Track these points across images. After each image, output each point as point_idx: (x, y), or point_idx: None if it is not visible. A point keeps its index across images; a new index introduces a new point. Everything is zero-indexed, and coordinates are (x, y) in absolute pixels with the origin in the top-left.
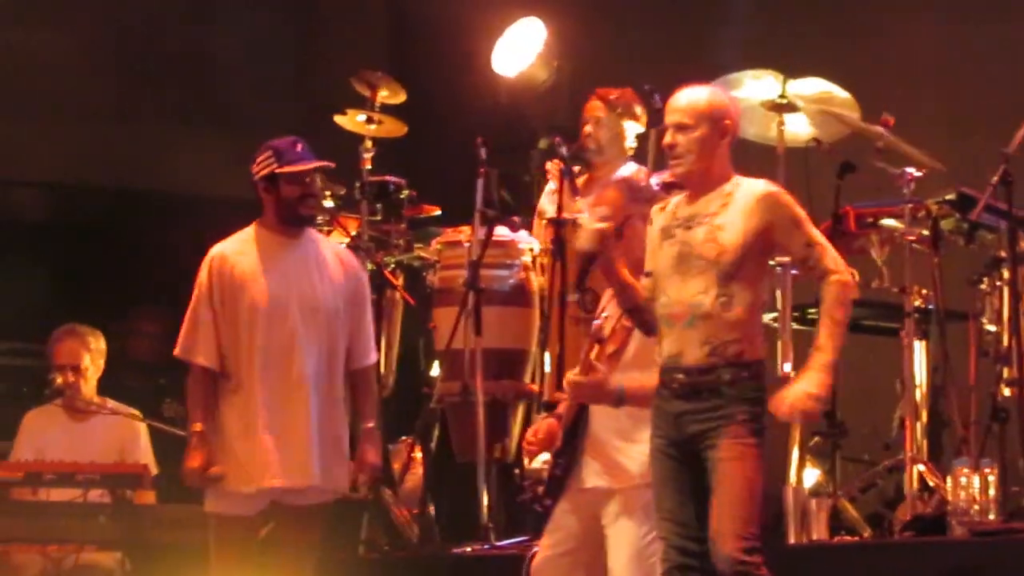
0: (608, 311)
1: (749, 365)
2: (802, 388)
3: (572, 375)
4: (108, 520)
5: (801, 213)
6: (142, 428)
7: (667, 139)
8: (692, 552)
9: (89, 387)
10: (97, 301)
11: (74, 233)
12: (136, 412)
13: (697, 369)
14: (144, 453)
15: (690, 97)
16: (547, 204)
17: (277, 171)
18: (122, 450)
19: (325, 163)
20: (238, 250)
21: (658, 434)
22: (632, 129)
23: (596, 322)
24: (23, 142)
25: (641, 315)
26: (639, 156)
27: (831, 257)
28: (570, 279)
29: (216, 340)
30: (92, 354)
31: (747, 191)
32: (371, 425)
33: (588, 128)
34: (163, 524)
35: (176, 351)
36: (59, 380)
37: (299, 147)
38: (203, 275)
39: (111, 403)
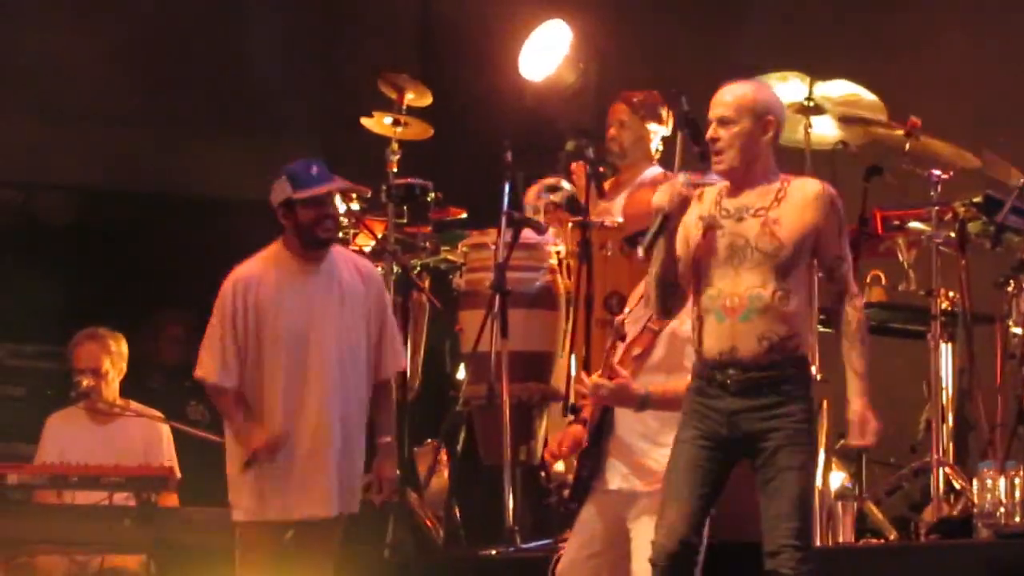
0: (634, 312)
1: (804, 360)
2: (874, 424)
3: (595, 377)
4: (133, 523)
5: (844, 223)
6: (165, 430)
7: (710, 133)
8: (691, 544)
9: (111, 390)
10: (123, 304)
11: (101, 237)
12: (159, 414)
13: (756, 365)
14: (168, 455)
15: (734, 92)
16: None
17: (293, 196)
18: (146, 453)
19: (339, 185)
20: (261, 275)
21: (698, 427)
22: (657, 132)
23: (619, 317)
24: (50, 146)
25: (672, 292)
26: (665, 159)
27: (853, 277)
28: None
29: (233, 361)
30: (113, 357)
31: (802, 187)
32: (388, 439)
33: (612, 131)
34: (188, 527)
35: (199, 372)
36: (82, 385)
37: (314, 170)
38: (227, 300)
39: (134, 405)
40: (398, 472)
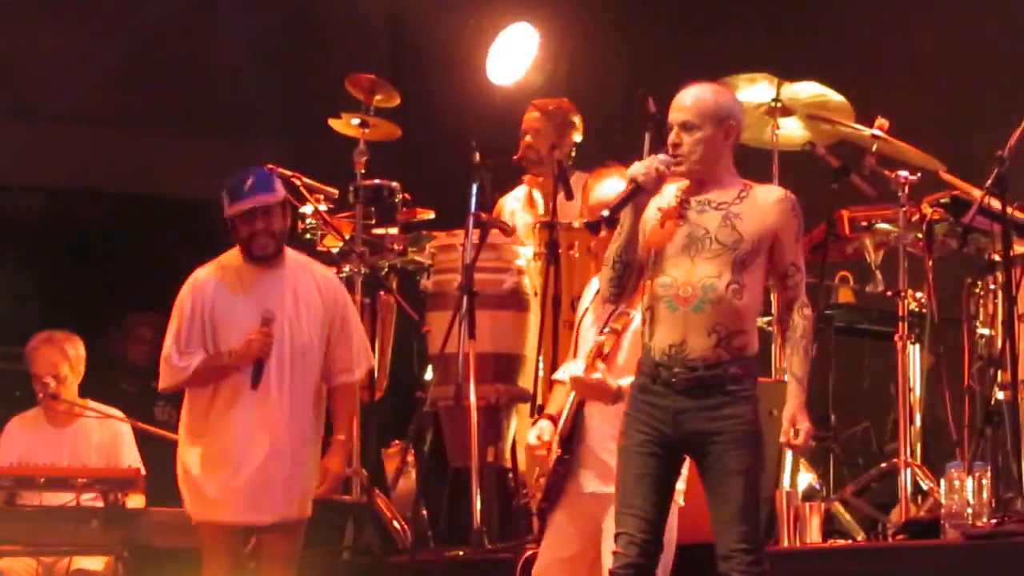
0: (592, 313)
1: (751, 360)
2: (807, 426)
3: (575, 372)
4: (101, 525)
5: (802, 231)
6: (126, 429)
7: (671, 137)
8: (650, 554)
9: (70, 393)
10: (94, 305)
11: (72, 238)
12: (119, 414)
13: (703, 363)
14: (130, 455)
15: (695, 96)
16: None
17: (227, 212)
18: (107, 453)
19: (263, 200)
20: (217, 279)
21: (642, 430)
22: (572, 139)
23: (599, 339)
24: (22, 147)
25: (628, 274)
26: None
27: (804, 288)
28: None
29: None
30: (71, 361)
31: (764, 190)
32: (342, 437)
33: (528, 139)
34: (156, 528)
35: (161, 384)
36: (49, 388)
37: (249, 182)
38: (184, 301)
39: (92, 404)
40: (345, 470)
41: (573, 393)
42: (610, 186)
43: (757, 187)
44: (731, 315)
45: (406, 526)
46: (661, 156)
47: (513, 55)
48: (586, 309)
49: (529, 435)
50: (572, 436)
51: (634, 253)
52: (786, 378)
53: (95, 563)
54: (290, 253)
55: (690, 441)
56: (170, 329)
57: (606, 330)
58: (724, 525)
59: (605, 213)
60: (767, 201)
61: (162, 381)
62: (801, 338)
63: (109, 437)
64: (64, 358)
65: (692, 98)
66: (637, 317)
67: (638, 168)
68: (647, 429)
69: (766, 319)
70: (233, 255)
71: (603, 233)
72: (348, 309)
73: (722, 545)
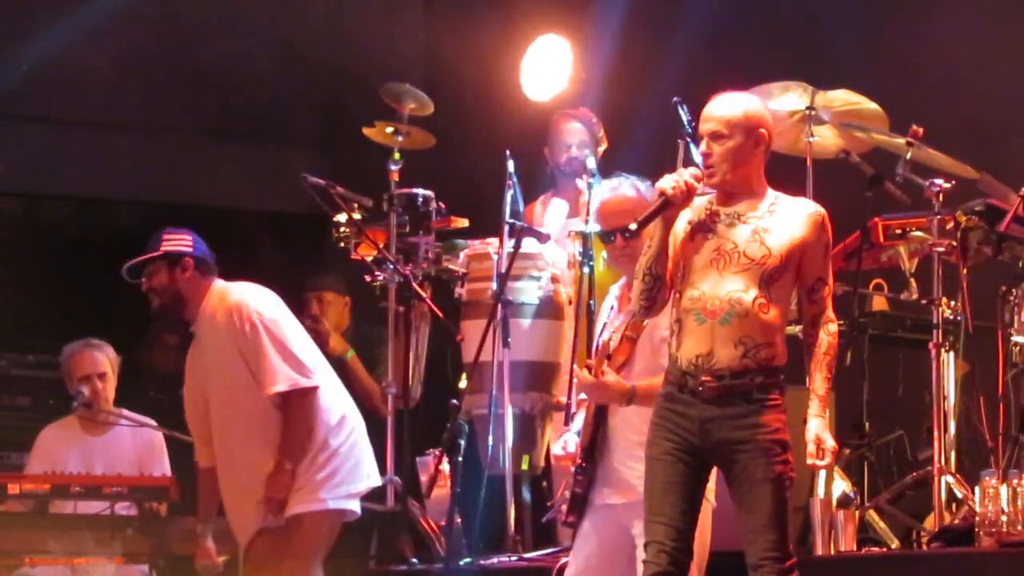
0: (610, 324)
1: (779, 371)
2: (832, 445)
3: (584, 374)
4: (135, 533)
5: (831, 247)
6: (159, 439)
7: (702, 148)
8: (681, 563)
9: (108, 399)
10: (125, 314)
11: (104, 246)
12: (153, 422)
13: (730, 372)
14: (163, 464)
15: (725, 105)
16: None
17: None
18: (141, 462)
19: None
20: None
21: (669, 438)
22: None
23: (603, 338)
24: (55, 156)
25: (660, 286)
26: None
27: (831, 303)
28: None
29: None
30: (112, 363)
31: (794, 204)
32: (281, 459)
33: (573, 150)
34: (190, 537)
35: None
36: (85, 394)
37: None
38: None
39: (127, 413)
40: (281, 496)
41: (590, 402)
42: (619, 195)
43: (787, 199)
44: (758, 328)
45: (441, 534)
46: (691, 169)
47: (545, 67)
48: (604, 324)
49: (554, 446)
50: (594, 446)
51: (664, 266)
52: (810, 395)
53: (128, 571)
54: (210, 297)
55: (717, 450)
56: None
57: (615, 335)
58: (753, 534)
59: (633, 226)
60: (797, 215)
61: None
62: (824, 355)
63: (143, 446)
64: (106, 358)
65: (721, 108)
66: (659, 326)
67: (667, 181)
68: (674, 438)
69: (799, 327)
70: None
71: (617, 242)
72: (252, 330)
73: (751, 554)
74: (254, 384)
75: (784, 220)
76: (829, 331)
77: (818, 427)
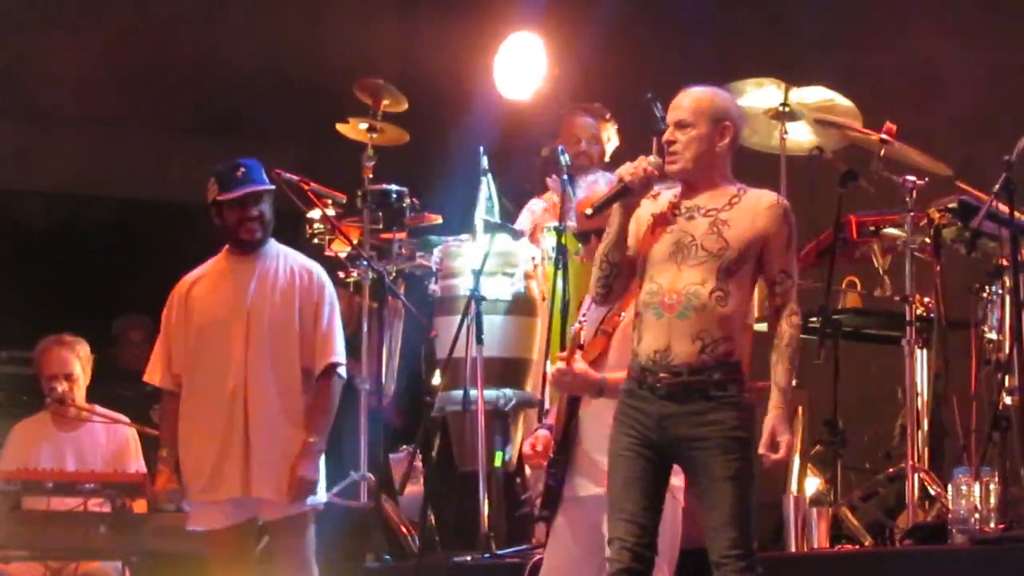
0: (589, 317)
1: (737, 366)
2: (787, 438)
3: (555, 366)
4: (109, 530)
5: (794, 238)
6: (132, 434)
7: (666, 135)
8: (645, 559)
9: (79, 396)
10: (98, 309)
11: (78, 242)
12: (125, 418)
13: (687, 368)
14: (136, 460)
15: (692, 95)
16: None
17: (217, 199)
18: (114, 459)
19: (258, 188)
20: (198, 275)
21: (629, 434)
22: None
23: (574, 327)
24: (29, 151)
25: (616, 274)
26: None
27: (795, 295)
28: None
29: (167, 362)
30: (82, 361)
31: (756, 196)
32: (310, 440)
33: (584, 145)
34: (164, 533)
35: (145, 377)
36: (57, 390)
37: (239, 172)
38: (169, 304)
39: (99, 409)
40: (315, 477)
41: (562, 396)
42: (596, 192)
43: (750, 192)
44: (715, 322)
45: (413, 531)
46: (651, 157)
47: (519, 63)
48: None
49: (525, 445)
50: (565, 439)
51: (622, 254)
52: (771, 387)
53: (102, 568)
54: (274, 244)
55: (676, 447)
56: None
57: (589, 327)
58: (715, 532)
59: (589, 211)
60: (758, 207)
61: (145, 375)
62: (787, 347)
63: (116, 443)
64: (76, 357)
65: (688, 97)
66: (627, 318)
67: (626, 168)
68: (634, 434)
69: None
70: (221, 254)
71: (593, 242)
72: (324, 301)
73: (713, 552)
74: (294, 346)
75: (744, 212)
76: (792, 323)
77: (775, 419)
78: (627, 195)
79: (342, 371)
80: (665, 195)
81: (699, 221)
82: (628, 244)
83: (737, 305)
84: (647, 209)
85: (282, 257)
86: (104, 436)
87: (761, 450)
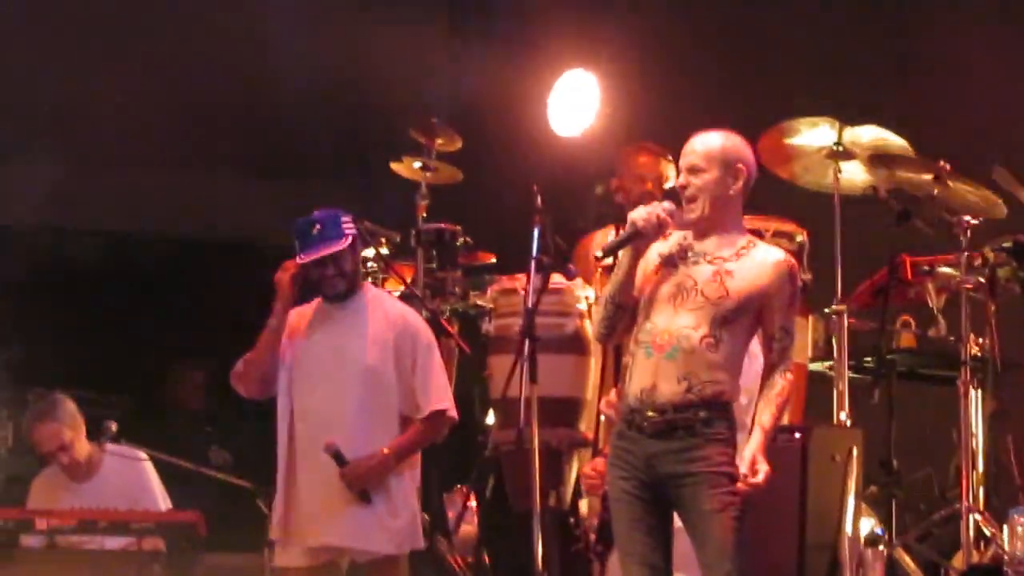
0: None
1: (724, 406)
2: (767, 468)
3: (607, 402)
4: (163, 569)
5: (797, 297)
6: (148, 469)
7: (680, 180)
8: None
9: (82, 450)
10: (151, 349)
11: (130, 282)
12: (142, 454)
13: (672, 407)
14: (153, 494)
15: (704, 140)
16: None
17: (297, 261)
18: (131, 497)
19: (330, 249)
20: (301, 312)
21: (623, 476)
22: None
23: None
24: (80, 191)
25: (621, 316)
26: None
27: (791, 352)
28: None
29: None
30: (70, 422)
31: (766, 252)
32: (384, 451)
33: (649, 185)
34: (218, 573)
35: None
36: (64, 461)
37: (315, 230)
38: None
39: (109, 447)
40: (369, 479)
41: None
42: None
43: (760, 246)
44: (703, 366)
45: (468, 571)
46: (665, 203)
47: (572, 101)
48: None
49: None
50: None
51: (628, 296)
52: (754, 427)
53: None
54: (368, 290)
55: (664, 484)
56: None
57: None
58: (708, 568)
59: (598, 253)
60: (764, 262)
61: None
62: (777, 396)
63: (133, 481)
64: (61, 425)
65: (701, 143)
66: None
67: (640, 212)
68: (627, 475)
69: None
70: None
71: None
72: (420, 345)
73: None
74: (391, 394)
75: (750, 266)
76: (786, 378)
77: (755, 449)
78: (638, 239)
79: (451, 414)
80: (675, 236)
81: (703, 267)
82: (636, 285)
83: (729, 353)
84: (655, 249)
85: (375, 303)
86: (120, 477)
87: (740, 482)
